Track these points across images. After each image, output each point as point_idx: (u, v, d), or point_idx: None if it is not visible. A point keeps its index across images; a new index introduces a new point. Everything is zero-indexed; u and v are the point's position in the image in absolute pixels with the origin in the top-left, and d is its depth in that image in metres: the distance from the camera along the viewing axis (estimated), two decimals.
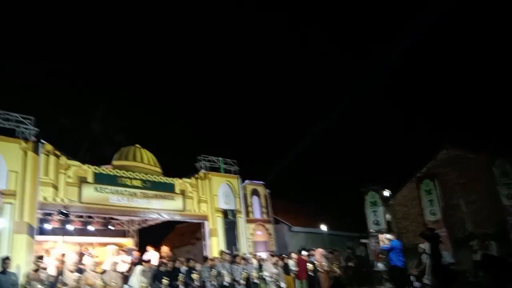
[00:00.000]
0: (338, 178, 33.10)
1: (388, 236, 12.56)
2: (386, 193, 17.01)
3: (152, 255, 13.60)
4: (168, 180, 14.67)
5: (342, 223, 23.92)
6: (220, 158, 16.99)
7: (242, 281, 12.17)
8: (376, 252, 15.66)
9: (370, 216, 17.72)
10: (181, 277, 11.18)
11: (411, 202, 16.81)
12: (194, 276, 11.44)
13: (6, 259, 8.50)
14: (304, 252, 15.25)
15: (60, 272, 9.58)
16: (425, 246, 11.03)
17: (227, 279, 11.90)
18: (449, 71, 38.62)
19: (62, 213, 9.81)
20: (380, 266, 13.68)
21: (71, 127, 23.78)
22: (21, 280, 9.07)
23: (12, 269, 8.83)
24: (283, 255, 14.87)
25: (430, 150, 17.02)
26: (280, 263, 13.97)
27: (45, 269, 9.35)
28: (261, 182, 18.42)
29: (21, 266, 9.73)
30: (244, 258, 13.15)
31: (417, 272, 10.60)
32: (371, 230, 17.48)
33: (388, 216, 17.22)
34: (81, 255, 12.25)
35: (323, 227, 20.11)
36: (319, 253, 15.55)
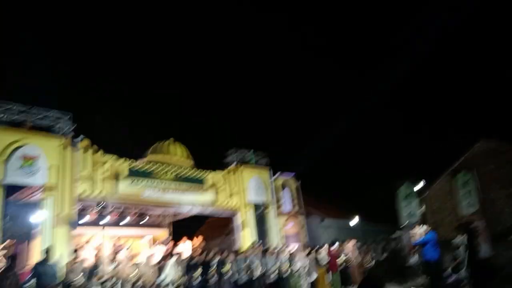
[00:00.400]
0: (371, 170, 32.63)
1: (422, 229, 12.30)
2: (421, 185, 16.61)
3: (185, 247, 13.91)
4: (200, 173, 14.91)
5: (375, 216, 23.58)
6: (251, 151, 17.06)
7: (273, 273, 12.25)
8: (410, 245, 15.35)
9: (403, 209, 17.36)
10: (213, 268, 11.40)
11: (446, 195, 16.34)
12: (226, 267, 11.62)
13: (47, 250, 8.90)
14: (335, 245, 15.19)
15: (97, 263, 9.97)
16: (461, 239, 10.71)
17: (258, 271, 12.02)
18: (487, 62, 37.07)
19: (99, 206, 10.20)
20: (415, 259, 13.40)
21: (105, 123, 24.53)
22: (62, 270, 9.51)
23: (53, 260, 9.26)
24: (315, 247, 14.86)
25: (466, 142, 16.46)
26: (312, 255, 13.97)
27: (84, 260, 9.74)
28: (292, 174, 18.41)
29: (61, 257, 10.22)
30: (275, 251, 13.22)
31: (453, 265, 10.32)
32: (404, 223, 17.14)
33: (422, 209, 16.82)
34: (117, 247, 12.67)
35: (355, 220, 19.90)
36: (351, 246, 15.45)
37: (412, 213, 17.10)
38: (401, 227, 17.61)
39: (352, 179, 33.05)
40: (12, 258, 8.76)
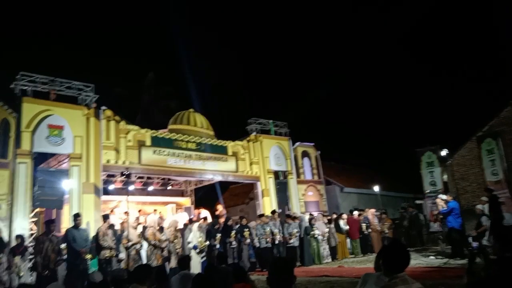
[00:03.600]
0: (392, 138, 32.24)
1: (445, 197, 12.20)
2: (444, 153, 16.33)
3: (205, 214, 14.26)
4: (221, 142, 15.05)
5: (396, 184, 23.48)
6: (271, 121, 17.06)
7: (293, 239, 12.49)
8: (432, 213, 15.28)
9: (426, 177, 17.17)
10: (233, 233, 11.70)
11: (470, 162, 15.99)
12: (246, 233, 11.90)
13: (77, 216, 9.25)
14: (355, 212, 15.30)
15: (124, 229, 10.32)
16: (483, 207, 10.61)
17: (278, 237, 12.28)
18: None
19: (124, 174, 10.45)
20: (436, 227, 13.37)
21: (126, 94, 24.68)
22: (91, 235, 9.92)
23: (83, 225, 9.65)
24: (334, 214, 15.02)
25: (493, 107, 15.95)
26: (332, 223, 14.14)
27: (112, 226, 10.10)
28: (312, 143, 18.38)
29: (90, 223, 10.64)
30: (295, 217, 13.42)
31: (476, 233, 10.27)
32: (427, 191, 17.00)
33: (445, 177, 16.60)
34: (143, 213, 13.04)
35: (376, 188, 19.87)
36: (371, 213, 15.53)
37: (434, 181, 16.92)
38: (422, 195, 17.50)
39: (373, 147, 32.82)
40: (48, 224, 9.16)
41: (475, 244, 9.55)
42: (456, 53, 39.63)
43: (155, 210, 13.67)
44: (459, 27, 39.02)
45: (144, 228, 10.67)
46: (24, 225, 9.92)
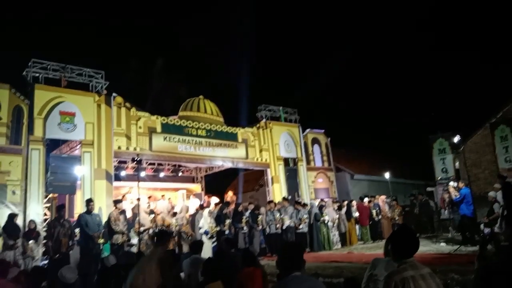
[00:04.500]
0: (403, 124, 31.93)
1: (456, 184, 12.10)
2: (456, 139, 16.13)
3: (215, 201, 14.36)
4: (231, 129, 15.06)
5: (407, 171, 23.31)
6: (281, 108, 17.00)
7: (303, 225, 12.54)
8: (442, 200, 15.18)
9: (438, 164, 17.03)
10: (244, 219, 11.79)
11: (483, 149, 15.76)
12: (259, 219, 11.99)
13: (90, 201, 9.40)
14: (365, 199, 15.28)
15: (136, 214, 10.46)
16: (496, 194, 10.50)
17: (288, 222, 12.34)
18: None
19: (135, 160, 10.53)
20: (447, 214, 13.31)
21: (136, 81, 24.74)
22: (104, 220, 10.07)
23: (95, 211, 9.80)
24: (345, 202, 15.01)
25: (507, 93, 15.63)
26: (342, 209, 14.16)
27: (124, 211, 10.24)
28: (322, 130, 18.30)
29: (102, 209, 10.80)
30: (305, 204, 13.45)
31: (487, 220, 10.19)
32: (438, 178, 16.87)
33: (457, 164, 16.43)
34: (154, 200, 13.19)
35: (387, 175, 19.76)
36: (381, 200, 15.50)
37: (446, 168, 16.79)
38: (434, 182, 17.38)
39: (384, 134, 32.57)
40: (60, 209, 9.33)
41: (486, 231, 9.48)
42: (472, 38, 38.88)
43: (163, 196, 13.79)
44: (473, 12, 38.14)
45: (156, 214, 10.81)
46: (38, 210, 10.12)
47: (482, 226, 10.43)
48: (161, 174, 16.00)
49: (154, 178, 15.92)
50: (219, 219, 11.51)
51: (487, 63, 35.60)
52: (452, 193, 11.90)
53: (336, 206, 14.15)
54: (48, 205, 11.06)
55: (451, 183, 12.49)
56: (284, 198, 13.50)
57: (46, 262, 9.10)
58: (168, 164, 15.85)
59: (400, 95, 41.03)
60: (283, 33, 45.17)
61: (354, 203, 14.91)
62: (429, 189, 18.55)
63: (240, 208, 12.29)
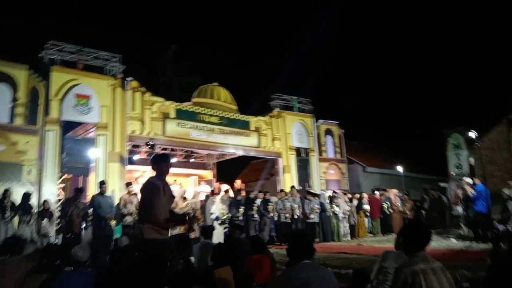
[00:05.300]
0: (418, 118, 31.52)
1: (470, 180, 11.92)
2: (471, 134, 15.89)
3: (225, 188, 14.43)
4: (244, 117, 15.05)
5: (420, 165, 23.07)
6: (295, 97, 16.91)
7: (313, 214, 12.54)
8: (455, 196, 15.02)
9: (451, 159, 16.85)
10: (255, 207, 11.84)
11: (499, 145, 15.54)
12: (270, 207, 12.03)
13: (103, 183, 9.52)
14: (376, 192, 15.17)
15: None
16: (510, 191, 10.34)
17: (297, 212, 12.36)
18: None
19: (148, 144, 10.61)
20: (459, 210, 13.14)
21: (150, 66, 24.70)
22: (116, 202, 10.21)
23: (108, 193, 9.94)
24: (356, 194, 14.93)
25: None
26: (353, 201, 14.10)
27: (135, 194, 10.35)
28: (336, 122, 18.17)
29: (115, 191, 10.94)
30: (316, 194, 13.43)
31: (501, 217, 10.06)
32: (452, 173, 16.67)
33: (471, 160, 16.20)
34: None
35: (399, 169, 19.59)
36: (393, 194, 15.37)
37: (460, 164, 16.59)
38: (447, 177, 17.18)
39: (398, 127, 32.19)
40: (78, 191, 9.49)
41: (500, 227, 9.36)
42: (489, 32, 37.98)
43: (175, 181, 13.89)
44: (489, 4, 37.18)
45: None
46: (52, 190, 10.31)
47: (495, 222, 10.31)
48: (173, 160, 16.10)
49: None
50: (234, 205, 11.57)
51: (506, 58, 34.77)
52: (467, 190, 11.73)
53: (347, 197, 14.09)
54: (62, 185, 11.24)
55: (467, 179, 12.31)
56: (293, 187, 13.49)
57: (59, 240, 9.29)
58: (181, 150, 15.93)
59: (416, 88, 40.42)
60: (297, 20, 44.70)
61: (365, 195, 14.83)
62: (442, 184, 18.35)
63: (251, 196, 12.34)
